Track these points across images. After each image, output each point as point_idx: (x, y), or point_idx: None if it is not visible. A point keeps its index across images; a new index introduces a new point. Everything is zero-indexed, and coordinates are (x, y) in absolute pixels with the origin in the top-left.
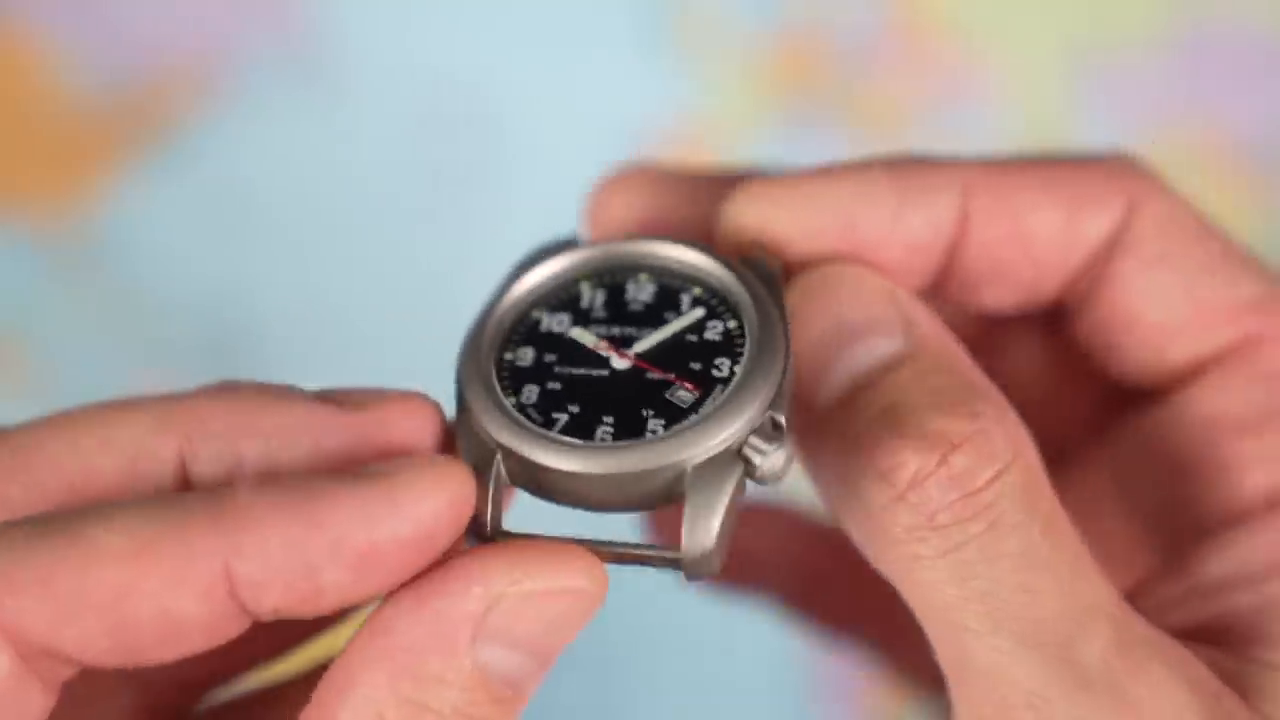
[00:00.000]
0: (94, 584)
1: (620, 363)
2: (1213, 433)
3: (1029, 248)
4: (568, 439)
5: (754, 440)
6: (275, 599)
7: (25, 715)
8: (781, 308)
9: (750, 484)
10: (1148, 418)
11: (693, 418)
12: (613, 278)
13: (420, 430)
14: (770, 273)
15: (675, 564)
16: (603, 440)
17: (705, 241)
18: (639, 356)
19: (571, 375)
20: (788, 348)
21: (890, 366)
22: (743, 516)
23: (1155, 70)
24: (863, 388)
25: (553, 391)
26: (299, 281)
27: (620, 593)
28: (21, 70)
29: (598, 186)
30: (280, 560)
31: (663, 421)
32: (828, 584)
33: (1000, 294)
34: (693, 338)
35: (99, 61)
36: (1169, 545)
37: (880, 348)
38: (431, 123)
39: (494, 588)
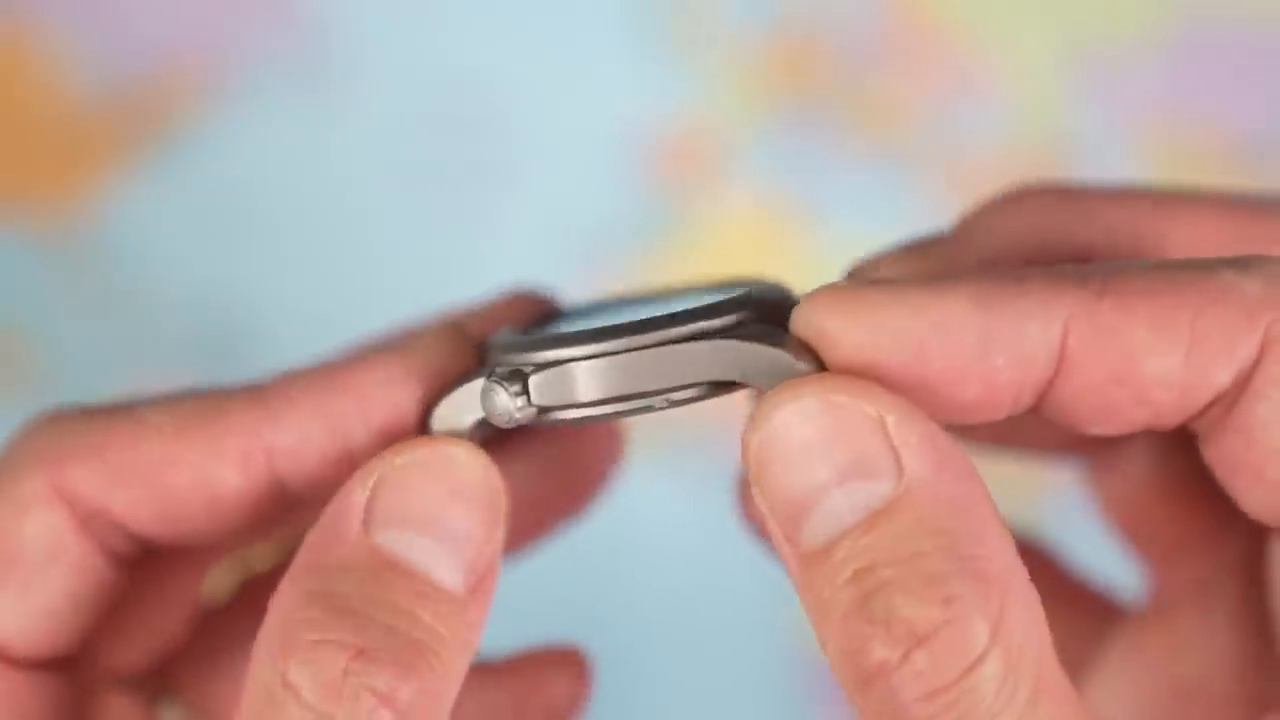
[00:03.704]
0: (142, 454)
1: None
2: None
3: (1139, 391)
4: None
5: (498, 370)
6: (312, 467)
7: (89, 578)
8: (690, 339)
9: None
10: (1273, 555)
11: (517, 337)
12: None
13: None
14: (762, 335)
15: None
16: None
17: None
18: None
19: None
20: (618, 351)
21: (871, 521)
22: None
23: (1155, 70)
24: (842, 538)
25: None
26: (300, 281)
27: (620, 592)
28: (22, 70)
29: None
30: (311, 424)
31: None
32: None
33: (1103, 428)
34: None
35: (99, 61)
36: (1260, 702)
37: (862, 495)
38: (432, 123)
39: (373, 473)
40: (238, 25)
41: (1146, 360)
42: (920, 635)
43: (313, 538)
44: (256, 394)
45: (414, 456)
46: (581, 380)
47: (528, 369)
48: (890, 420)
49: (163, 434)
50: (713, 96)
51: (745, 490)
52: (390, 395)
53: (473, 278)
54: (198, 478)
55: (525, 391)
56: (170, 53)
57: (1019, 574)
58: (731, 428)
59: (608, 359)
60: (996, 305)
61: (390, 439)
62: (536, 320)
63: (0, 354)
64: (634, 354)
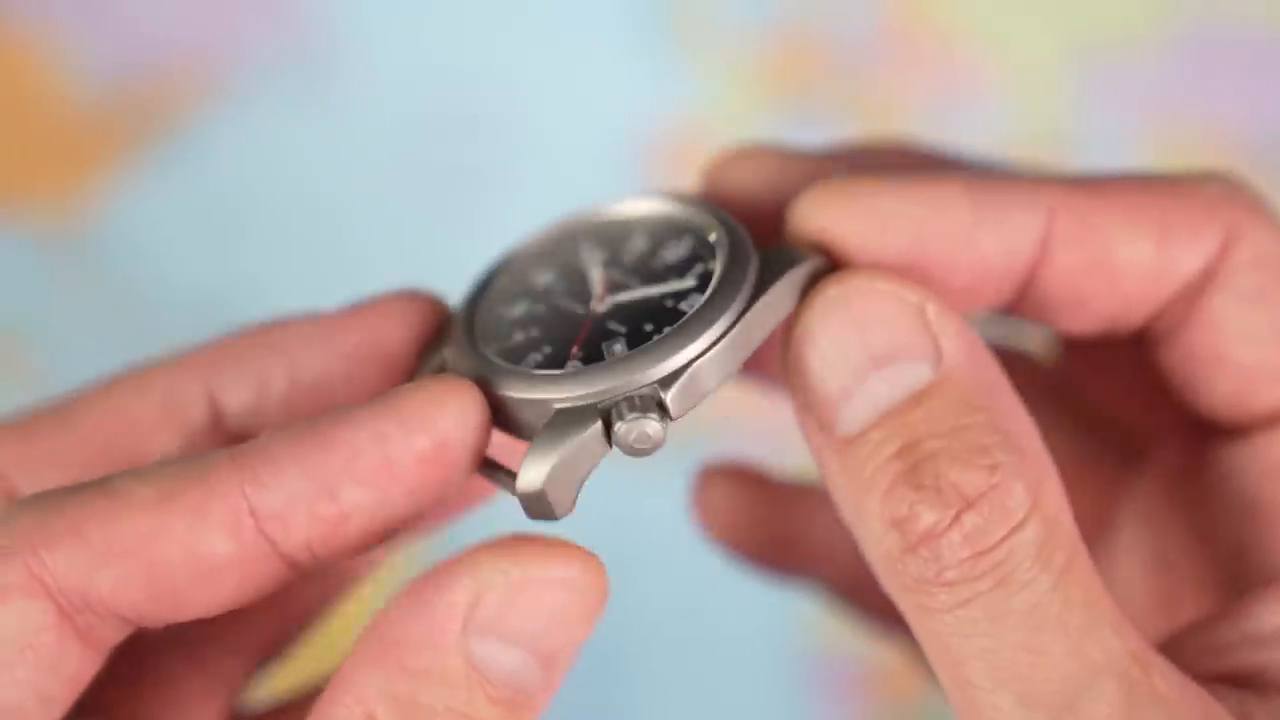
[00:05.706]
0: (123, 530)
1: (598, 306)
2: None
3: (1114, 279)
4: (486, 355)
5: (621, 405)
6: (302, 530)
7: (64, 672)
8: (758, 294)
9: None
10: (1228, 453)
11: (587, 366)
12: (658, 233)
13: (421, 316)
14: (790, 260)
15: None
16: (517, 366)
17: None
18: (615, 305)
19: (556, 306)
20: (724, 333)
21: (912, 401)
22: (795, 503)
23: (1155, 70)
24: (882, 420)
25: (530, 317)
26: (299, 281)
27: (619, 591)
28: (21, 70)
29: (718, 157)
30: (297, 484)
31: (578, 365)
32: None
33: (1079, 321)
34: (670, 303)
35: (100, 61)
36: (1234, 585)
37: (903, 378)
38: (432, 123)
39: (481, 576)
40: (237, 25)
41: (1121, 247)
42: (969, 498)
43: (402, 622)
44: (240, 453)
45: (532, 571)
46: (706, 373)
47: (651, 389)
48: (930, 309)
49: (145, 506)
50: (713, 96)
51: (698, 493)
52: (383, 448)
53: (472, 278)
54: (187, 549)
55: (664, 408)
56: (170, 53)
57: (1047, 454)
58: (730, 422)
59: (723, 342)
60: (986, 193)
61: (391, 495)
62: (435, 328)
63: (0, 354)
64: (737, 328)
